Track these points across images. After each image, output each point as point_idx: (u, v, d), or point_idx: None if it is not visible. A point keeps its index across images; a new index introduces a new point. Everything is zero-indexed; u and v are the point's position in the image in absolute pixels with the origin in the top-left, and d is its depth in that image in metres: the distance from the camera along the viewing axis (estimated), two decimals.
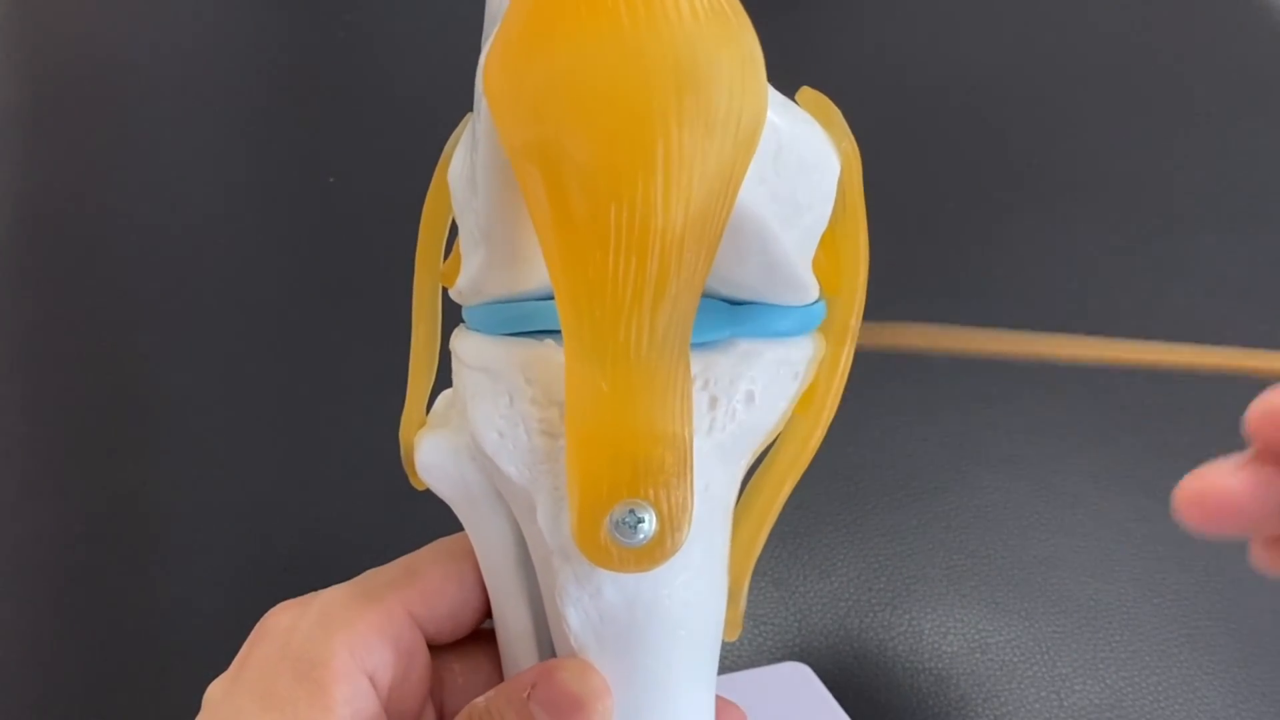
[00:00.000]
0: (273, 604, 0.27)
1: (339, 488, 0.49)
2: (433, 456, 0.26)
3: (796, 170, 0.23)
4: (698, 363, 0.24)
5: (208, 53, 0.73)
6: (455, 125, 0.28)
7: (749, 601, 0.44)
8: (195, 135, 0.67)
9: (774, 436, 0.25)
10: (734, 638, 0.27)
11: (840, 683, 0.42)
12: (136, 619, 0.45)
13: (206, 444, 0.51)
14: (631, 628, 0.24)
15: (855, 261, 0.26)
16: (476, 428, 0.24)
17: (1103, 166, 0.65)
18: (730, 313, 0.24)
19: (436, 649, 0.28)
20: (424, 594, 0.27)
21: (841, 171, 0.25)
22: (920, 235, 0.60)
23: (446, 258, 0.28)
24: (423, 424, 0.27)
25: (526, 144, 0.21)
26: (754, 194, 0.22)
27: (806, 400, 0.26)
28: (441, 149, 0.29)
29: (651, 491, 0.22)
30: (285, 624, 0.26)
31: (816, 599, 0.44)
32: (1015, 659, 0.43)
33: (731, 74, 0.20)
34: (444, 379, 0.28)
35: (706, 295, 0.23)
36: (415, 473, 0.27)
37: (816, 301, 0.25)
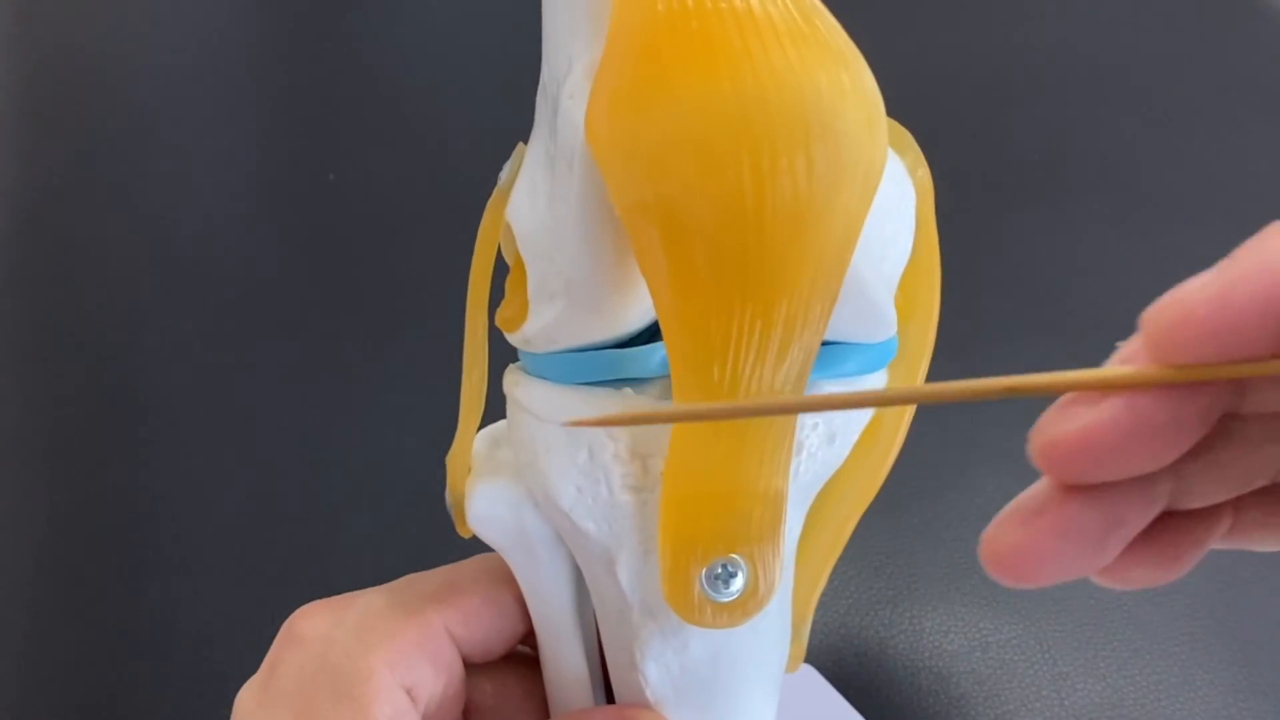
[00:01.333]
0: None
1: (339, 487, 0.49)
2: (488, 508, 0.25)
3: (885, 209, 0.22)
4: None
5: (208, 52, 0.73)
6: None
7: None
8: (195, 134, 0.67)
9: None
10: (794, 670, 0.27)
11: (841, 681, 0.42)
12: (136, 622, 0.45)
13: (206, 443, 0.51)
14: (713, 679, 0.24)
15: (930, 290, 0.25)
16: (552, 483, 0.23)
17: (1104, 166, 0.65)
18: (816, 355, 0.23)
19: (468, 668, 0.27)
20: (463, 613, 0.26)
21: (917, 202, 0.24)
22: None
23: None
24: (469, 470, 0.26)
25: (643, 202, 0.19)
26: None
27: (873, 433, 0.25)
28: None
29: (746, 548, 0.22)
30: (321, 631, 0.25)
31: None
32: (1016, 657, 0.43)
33: (858, 120, 0.19)
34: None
35: None
36: (465, 523, 0.26)
37: (893, 336, 0.24)
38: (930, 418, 0.51)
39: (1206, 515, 0.18)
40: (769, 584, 0.22)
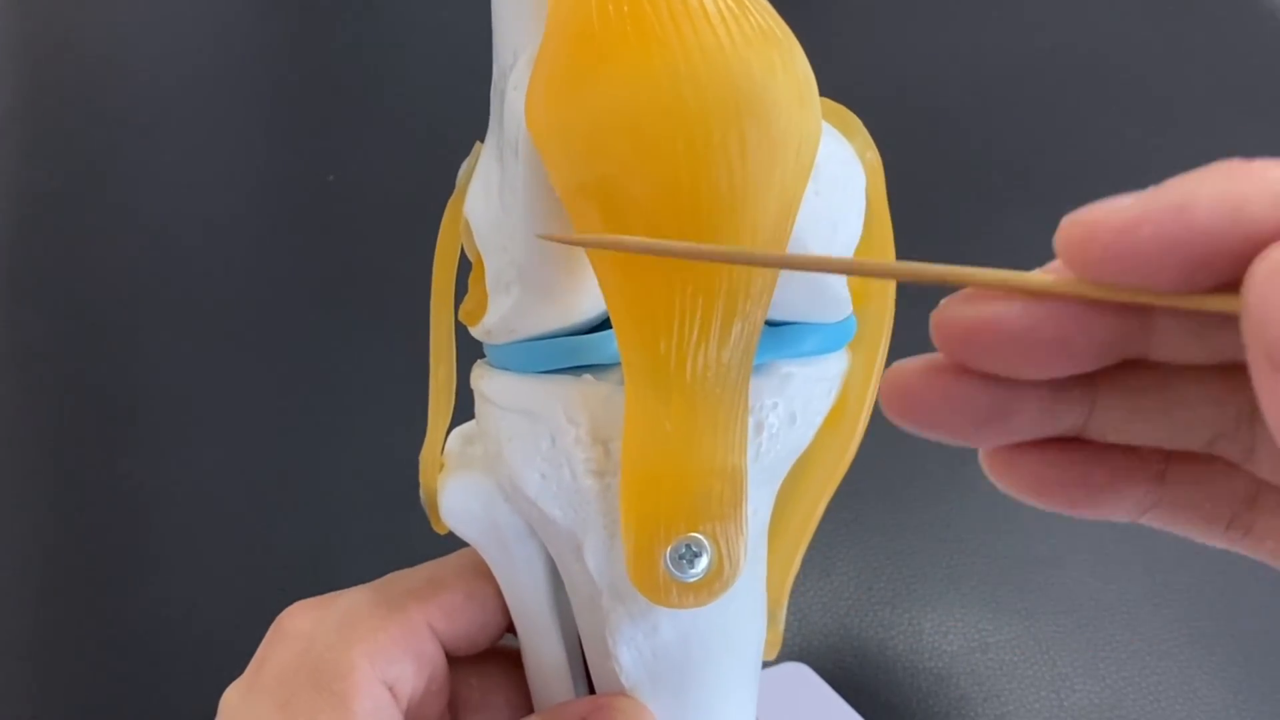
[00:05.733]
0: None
1: (338, 487, 0.49)
2: (460, 501, 0.25)
3: (832, 188, 0.22)
4: None
5: (207, 52, 0.73)
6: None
7: None
8: (195, 134, 0.67)
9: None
10: (772, 656, 0.27)
11: (840, 682, 0.42)
12: (136, 622, 0.45)
13: (205, 443, 0.51)
14: (686, 662, 0.24)
15: None
16: (516, 471, 0.24)
17: (1103, 166, 0.65)
18: (772, 336, 0.23)
19: (453, 662, 0.27)
20: (446, 609, 0.26)
21: (867, 183, 0.24)
22: (920, 234, 0.60)
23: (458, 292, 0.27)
24: (441, 466, 0.27)
25: (583, 183, 0.20)
26: (800, 217, 0.21)
27: (837, 414, 0.25)
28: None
29: (709, 526, 0.22)
30: (305, 628, 0.25)
31: (816, 598, 0.44)
32: (1015, 658, 0.43)
33: (789, 96, 0.20)
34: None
35: None
36: (438, 518, 0.26)
37: (849, 316, 0.25)
38: None
39: (1123, 458, 0.18)
40: (734, 563, 0.22)
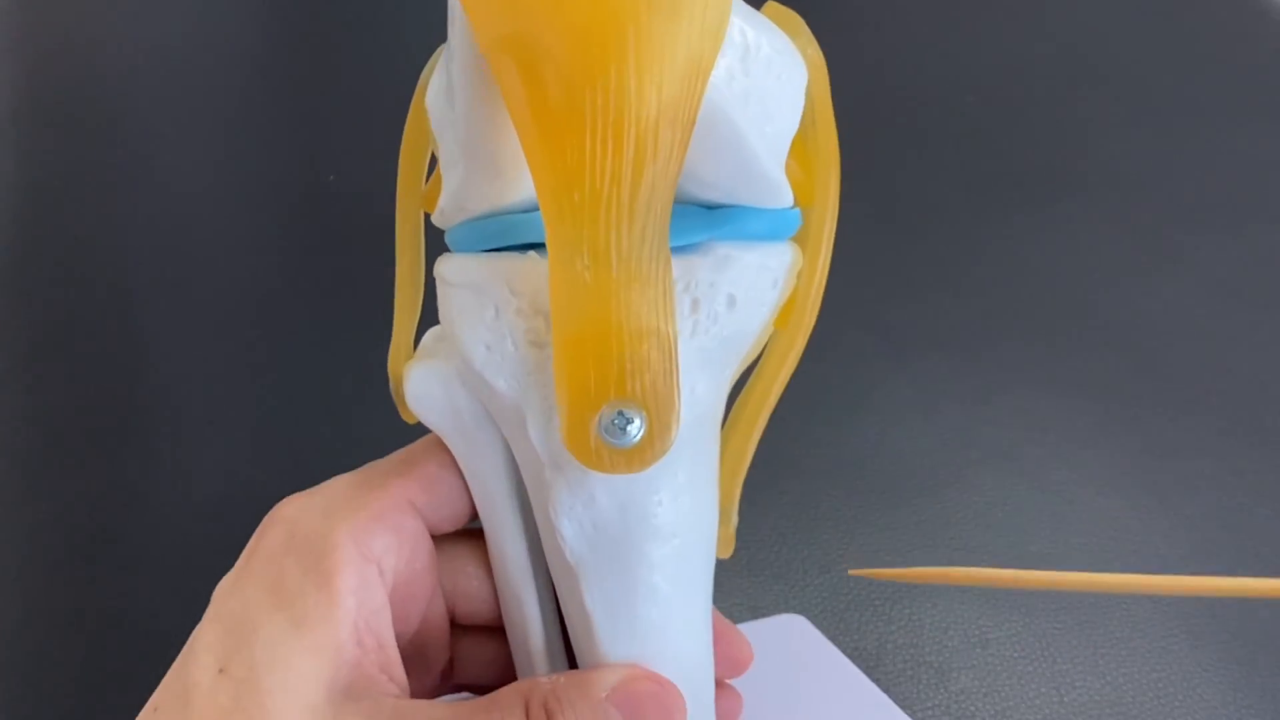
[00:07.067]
0: None
1: None
2: (422, 386, 0.26)
3: (764, 71, 0.23)
4: (678, 266, 0.24)
5: (207, 51, 0.73)
6: None
7: (747, 594, 0.44)
8: (195, 134, 0.67)
9: (756, 350, 0.26)
10: (726, 555, 0.27)
11: None
12: (134, 619, 0.45)
13: (203, 443, 0.51)
14: (625, 536, 0.25)
15: (828, 170, 0.26)
16: (464, 344, 0.25)
17: (1103, 166, 0.65)
18: (707, 216, 0.24)
19: (449, 550, 0.28)
20: (422, 482, 0.27)
21: (810, 79, 0.25)
22: (920, 233, 0.60)
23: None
24: (410, 357, 0.28)
25: (501, 38, 0.21)
26: (724, 92, 0.23)
27: (785, 314, 0.26)
28: None
29: (639, 388, 0.22)
30: (291, 514, 0.26)
31: (816, 594, 0.44)
32: (1015, 655, 0.43)
33: None
34: (429, 317, 0.28)
35: (684, 201, 0.24)
36: (404, 404, 0.27)
37: (792, 208, 0.25)
38: (928, 417, 0.51)
39: None
40: (665, 429, 0.23)
